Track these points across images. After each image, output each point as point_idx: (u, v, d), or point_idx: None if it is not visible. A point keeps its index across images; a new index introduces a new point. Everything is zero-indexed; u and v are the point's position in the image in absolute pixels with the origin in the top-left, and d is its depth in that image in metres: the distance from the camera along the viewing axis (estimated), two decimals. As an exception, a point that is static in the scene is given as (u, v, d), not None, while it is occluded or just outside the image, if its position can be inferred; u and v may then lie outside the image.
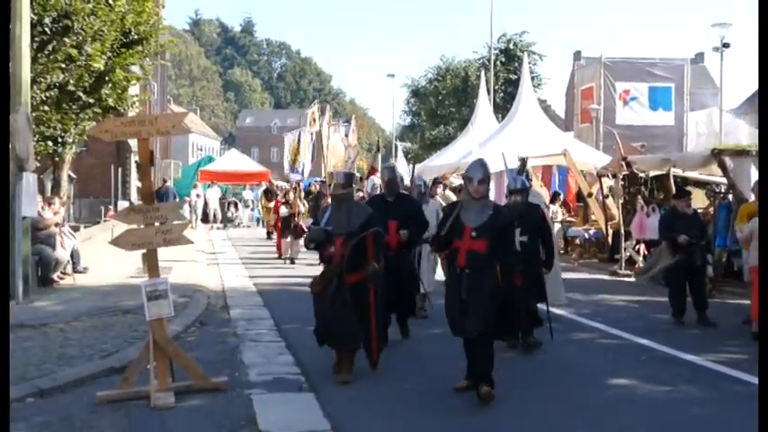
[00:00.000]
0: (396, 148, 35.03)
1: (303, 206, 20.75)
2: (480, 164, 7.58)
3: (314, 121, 23.65)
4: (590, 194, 19.59)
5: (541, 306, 9.67)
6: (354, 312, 7.69)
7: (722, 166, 14.79)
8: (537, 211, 9.60)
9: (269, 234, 28.26)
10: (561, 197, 21.76)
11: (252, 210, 39.90)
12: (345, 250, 7.71)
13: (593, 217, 20.66)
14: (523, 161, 11.97)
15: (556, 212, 18.29)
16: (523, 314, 8.70)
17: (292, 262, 19.74)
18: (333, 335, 7.90)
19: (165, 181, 35.58)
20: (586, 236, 20.90)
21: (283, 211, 20.83)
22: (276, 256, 21.05)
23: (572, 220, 21.91)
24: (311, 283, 7.97)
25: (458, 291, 7.23)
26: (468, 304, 7.15)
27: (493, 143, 25.31)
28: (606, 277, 17.49)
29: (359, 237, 7.71)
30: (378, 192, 15.21)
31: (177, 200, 31.05)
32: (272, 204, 25.66)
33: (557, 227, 17.83)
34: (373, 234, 7.82)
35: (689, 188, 14.71)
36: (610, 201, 18.80)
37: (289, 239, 20.22)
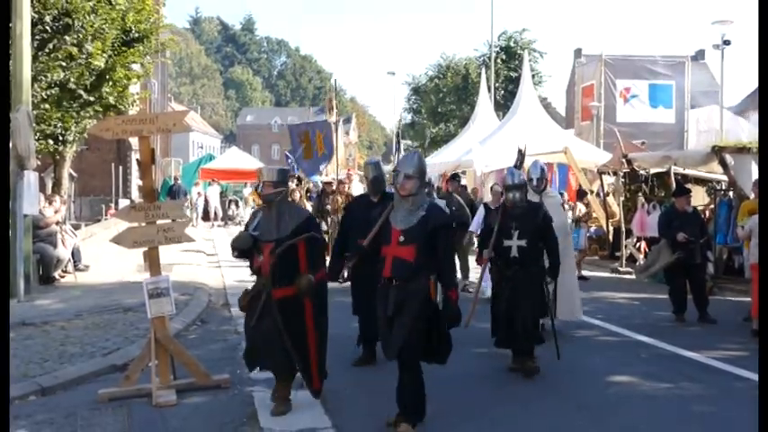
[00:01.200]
0: (399, 136, 33.88)
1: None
2: (412, 156, 6.58)
3: (330, 110, 21.41)
4: (590, 191, 19.58)
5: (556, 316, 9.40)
6: (288, 333, 6.50)
7: (723, 164, 14.80)
8: (538, 211, 8.36)
9: None
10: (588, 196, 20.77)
11: (252, 207, 39.85)
12: (272, 260, 6.57)
13: (593, 214, 20.64)
14: (521, 153, 11.17)
15: (581, 211, 17.58)
16: (521, 331, 8.08)
17: None
18: (263, 358, 6.73)
19: (176, 179, 35.59)
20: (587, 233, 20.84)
21: None
22: None
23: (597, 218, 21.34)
24: (239, 297, 6.93)
25: (384, 306, 6.26)
26: (393, 322, 6.19)
27: (493, 141, 25.35)
28: (607, 274, 17.50)
29: (286, 244, 6.54)
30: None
31: (188, 197, 31.09)
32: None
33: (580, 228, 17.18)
34: (305, 240, 6.60)
35: (689, 185, 14.72)
36: (610, 198, 18.79)
37: None
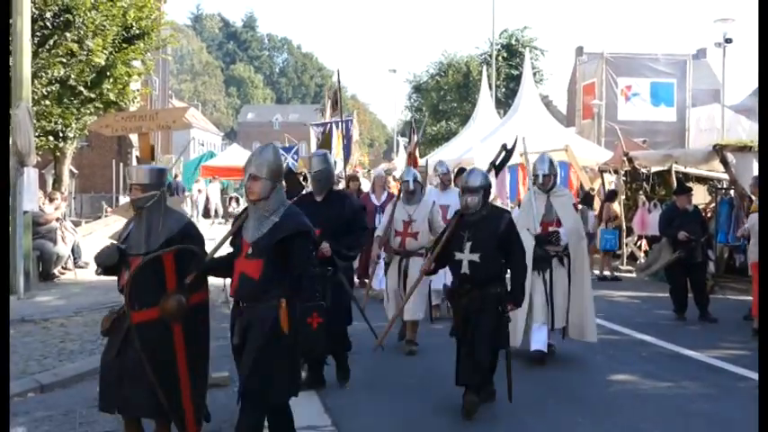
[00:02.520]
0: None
1: None
2: (264, 150, 5.36)
3: (335, 105, 18.51)
4: (592, 189, 19.55)
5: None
6: (151, 366, 5.20)
7: (724, 162, 14.77)
8: (500, 219, 6.79)
9: None
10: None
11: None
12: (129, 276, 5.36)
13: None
14: (506, 149, 10.07)
15: (613, 213, 17.04)
16: (470, 364, 6.70)
17: None
18: (122, 397, 5.34)
19: (176, 176, 35.60)
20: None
21: None
22: None
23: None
24: (102, 319, 5.62)
25: (231, 332, 5.36)
26: (240, 350, 5.23)
27: (494, 138, 25.29)
28: (607, 273, 17.48)
29: (147, 258, 5.32)
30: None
31: (186, 194, 31.08)
32: None
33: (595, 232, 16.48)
34: (175, 254, 5.37)
35: (690, 184, 14.69)
36: (611, 196, 18.75)
37: None
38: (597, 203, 18.66)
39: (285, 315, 5.03)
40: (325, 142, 15.72)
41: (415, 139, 13.53)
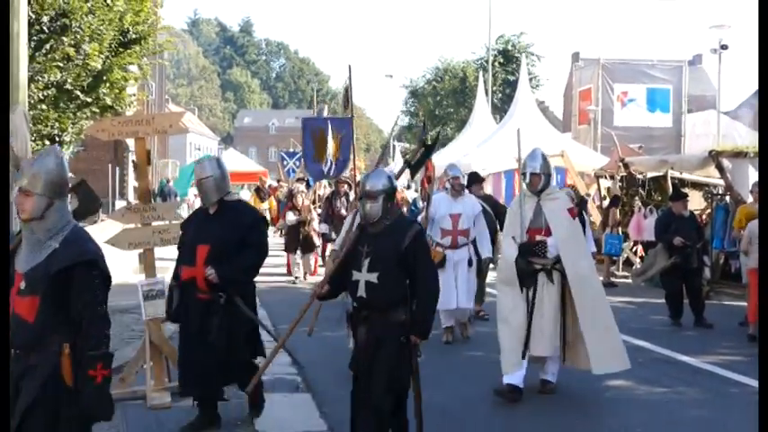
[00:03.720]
0: (391, 138, 33.19)
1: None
2: (41, 158, 4.44)
3: (346, 104, 15.27)
4: (587, 195, 19.59)
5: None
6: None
7: (720, 168, 14.81)
8: (405, 232, 5.46)
9: None
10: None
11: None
12: None
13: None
14: (425, 144, 7.76)
15: (616, 217, 16.81)
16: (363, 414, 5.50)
17: (305, 277, 16.21)
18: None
19: (168, 180, 35.61)
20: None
21: (290, 218, 16.25)
22: (285, 272, 17.16)
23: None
24: None
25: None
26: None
27: (491, 144, 25.34)
28: (603, 279, 17.49)
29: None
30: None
31: (177, 199, 31.06)
32: (264, 205, 23.65)
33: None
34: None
35: (686, 190, 14.72)
36: (607, 202, 18.79)
37: (298, 254, 16.33)
38: (593, 209, 18.69)
39: (68, 365, 4.07)
40: (320, 141, 13.60)
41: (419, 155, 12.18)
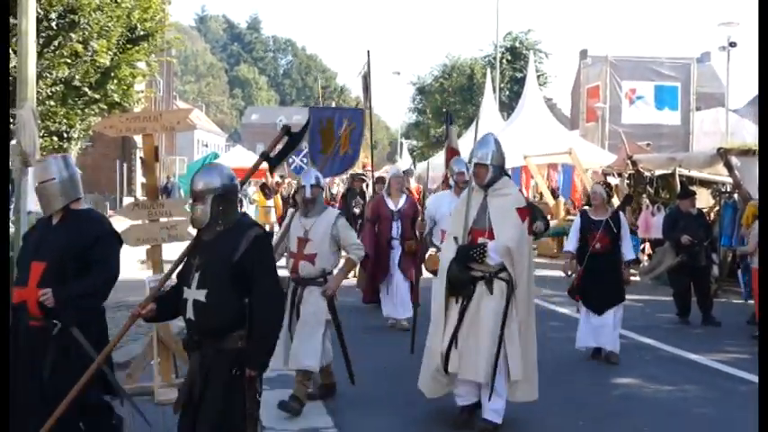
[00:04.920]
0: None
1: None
2: None
3: (366, 90, 13.53)
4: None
5: None
6: None
7: (728, 166, 14.75)
8: (239, 237, 4.45)
9: None
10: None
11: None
12: None
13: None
14: (289, 133, 5.81)
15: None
16: None
17: None
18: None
19: (168, 177, 35.72)
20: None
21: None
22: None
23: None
24: None
25: None
26: None
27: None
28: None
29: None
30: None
31: (181, 193, 31.11)
32: (269, 203, 23.20)
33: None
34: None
35: (694, 188, 14.67)
36: (615, 200, 18.74)
37: None
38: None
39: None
40: (328, 132, 11.90)
41: (454, 133, 11.45)
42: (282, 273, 6.28)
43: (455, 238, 6.32)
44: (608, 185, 9.72)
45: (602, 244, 8.93)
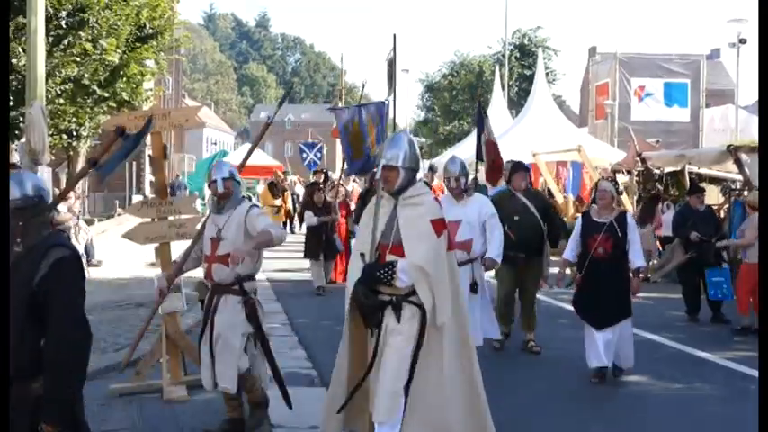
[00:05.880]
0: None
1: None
2: None
3: (390, 79, 12.91)
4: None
5: None
6: None
7: (738, 163, 14.69)
8: (40, 259, 3.52)
9: None
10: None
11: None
12: None
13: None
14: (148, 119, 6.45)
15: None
16: None
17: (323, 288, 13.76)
18: None
19: (177, 176, 35.81)
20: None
21: (311, 218, 14.02)
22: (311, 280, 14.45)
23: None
24: None
25: None
26: None
27: (506, 139, 25.28)
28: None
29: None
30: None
31: (186, 192, 31.16)
32: (277, 202, 22.80)
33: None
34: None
35: (704, 185, 14.63)
36: (624, 197, 18.70)
37: (320, 261, 13.92)
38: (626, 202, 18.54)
39: None
40: (356, 136, 11.12)
41: (488, 125, 11.01)
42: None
43: (362, 255, 5.17)
44: (616, 182, 8.83)
45: (605, 249, 7.81)
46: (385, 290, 5.06)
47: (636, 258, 7.84)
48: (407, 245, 5.05)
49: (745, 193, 14.81)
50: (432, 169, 17.46)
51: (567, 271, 8.49)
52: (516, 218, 8.90)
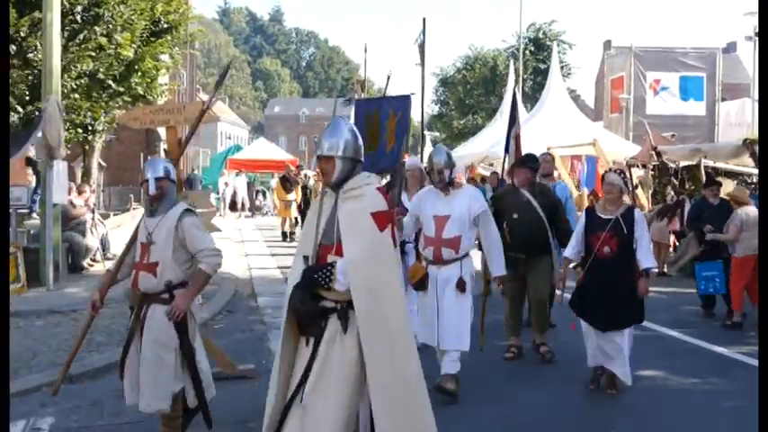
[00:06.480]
0: (423, 137, 32.67)
1: None
2: None
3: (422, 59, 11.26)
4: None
5: None
6: None
7: (754, 156, 14.60)
8: None
9: (285, 235, 22.58)
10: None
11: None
12: None
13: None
14: None
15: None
16: None
17: None
18: None
19: (193, 169, 35.93)
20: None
21: None
22: None
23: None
24: None
25: None
26: None
27: (521, 132, 25.25)
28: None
29: None
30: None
31: (200, 186, 31.25)
32: (290, 197, 22.54)
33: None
34: None
35: (720, 178, 14.54)
36: (639, 191, 18.62)
37: None
38: (642, 196, 18.46)
39: None
40: (373, 127, 9.81)
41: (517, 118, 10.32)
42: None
43: (305, 258, 4.66)
44: (624, 173, 7.68)
45: (610, 247, 7.19)
46: (328, 295, 4.51)
47: (644, 258, 7.15)
48: (345, 242, 4.53)
49: None
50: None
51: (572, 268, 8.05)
52: (515, 216, 8.31)
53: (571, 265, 7.96)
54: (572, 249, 7.55)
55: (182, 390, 5.64)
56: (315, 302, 4.50)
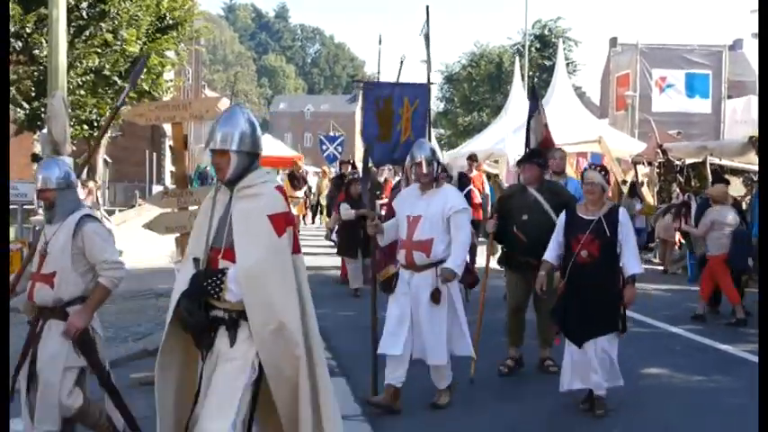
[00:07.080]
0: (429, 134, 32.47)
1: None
2: None
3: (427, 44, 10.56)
4: (624, 182, 19.40)
5: None
6: None
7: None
8: None
9: None
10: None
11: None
12: None
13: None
14: None
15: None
16: None
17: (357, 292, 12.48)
18: None
19: (206, 167, 36.01)
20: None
21: (347, 212, 12.66)
22: (340, 280, 13.73)
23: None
24: None
25: None
26: None
27: (526, 130, 25.22)
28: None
29: None
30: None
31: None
32: (299, 194, 22.19)
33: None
34: None
35: (726, 176, 14.53)
36: (645, 189, 18.60)
37: (358, 259, 12.50)
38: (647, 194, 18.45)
39: None
40: (386, 114, 9.00)
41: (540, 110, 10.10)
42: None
43: (195, 261, 4.29)
44: (605, 170, 6.94)
45: (590, 251, 6.55)
46: (218, 304, 4.16)
47: (630, 263, 6.52)
48: (239, 247, 4.14)
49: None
50: (472, 158, 15.95)
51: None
52: (524, 217, 7.65)
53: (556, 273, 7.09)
54: (551, 253, 6.86)
55: (103, 414, 5.45)
56: (203, 312, 4.15)
